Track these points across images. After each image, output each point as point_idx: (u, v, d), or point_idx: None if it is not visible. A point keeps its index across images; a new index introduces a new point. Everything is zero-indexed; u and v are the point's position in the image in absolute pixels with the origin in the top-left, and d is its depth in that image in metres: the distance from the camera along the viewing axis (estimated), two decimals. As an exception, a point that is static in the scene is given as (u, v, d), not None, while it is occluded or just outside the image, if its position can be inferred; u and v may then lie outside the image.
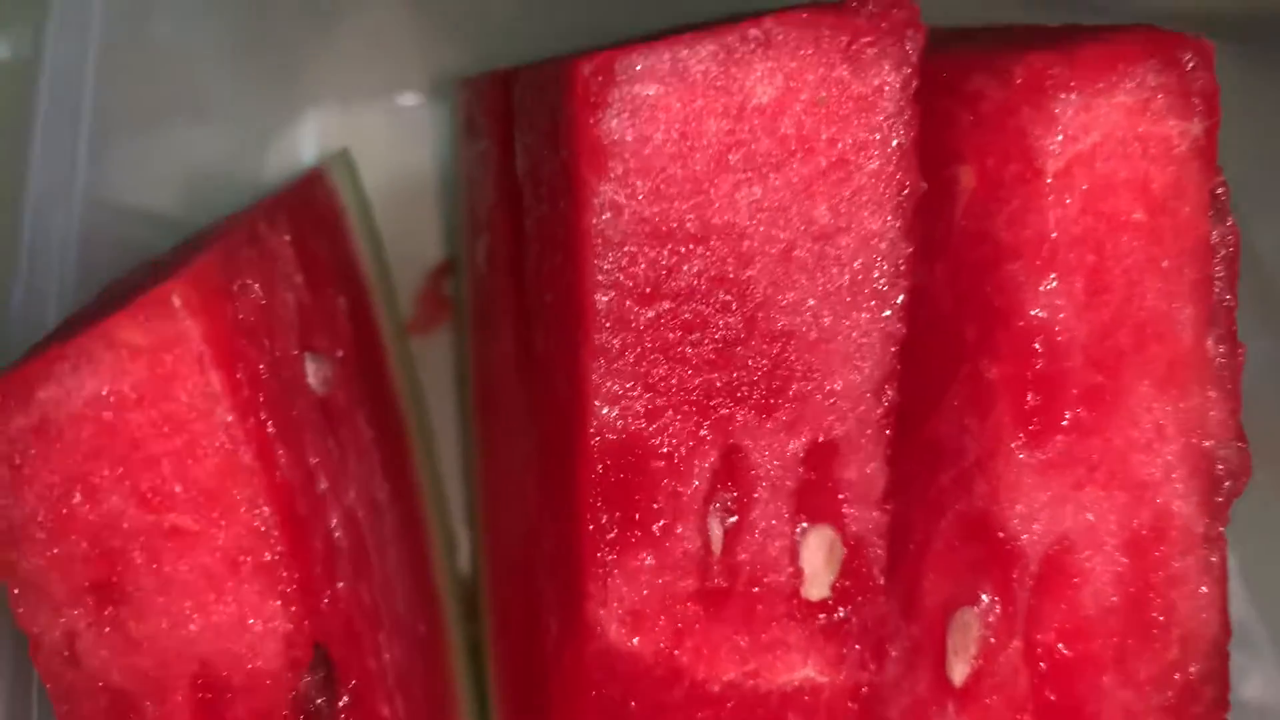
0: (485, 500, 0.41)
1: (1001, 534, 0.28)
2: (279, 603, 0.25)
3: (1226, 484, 0.28)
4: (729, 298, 0.27)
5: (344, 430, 0.34)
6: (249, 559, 0.25)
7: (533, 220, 0.31)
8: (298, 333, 0.32)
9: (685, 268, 0.27)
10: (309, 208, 0.38)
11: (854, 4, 0.26)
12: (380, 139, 0.50)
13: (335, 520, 0.30)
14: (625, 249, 0.26)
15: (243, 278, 0.28)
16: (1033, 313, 0.27)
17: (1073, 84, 0.26)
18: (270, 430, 0.26)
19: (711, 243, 0.27)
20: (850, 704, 0.28)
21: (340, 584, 0.29)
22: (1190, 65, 0.26)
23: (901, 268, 0.27)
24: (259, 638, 0.25)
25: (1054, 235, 0.26)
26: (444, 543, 0.43)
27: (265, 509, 0.25)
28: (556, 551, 0.30)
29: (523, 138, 0.31)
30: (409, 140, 0.49)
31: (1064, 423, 0.27)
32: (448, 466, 0.45)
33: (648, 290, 0.27)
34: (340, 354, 0.35)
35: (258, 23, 0.46)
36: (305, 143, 0.49)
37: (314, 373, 0.32)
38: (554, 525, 0.30)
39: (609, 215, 0.26)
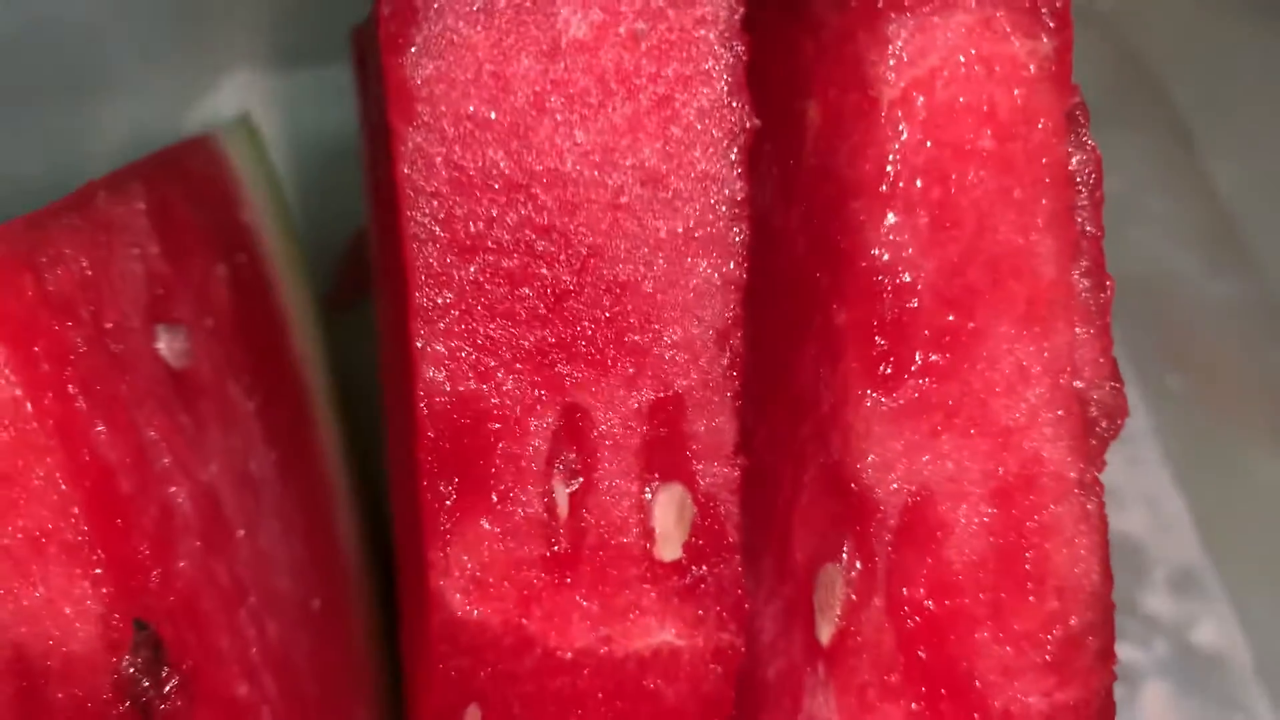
0: (391, 476, 0.40)
1: (855, 486, 0.26)
2: (88, 584, 0.24)
3: (1101, 425, 0.27)
4: (556, 249, 0.26)
5: (206, 403, 0.33)
6: (53, 540, 0.24)
7: (375, 176, 0.29)
8: (145, 304, 0.31)
9: (507, 218, 0.25)
10: (180, 175, 0.37)
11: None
12: (302, 106, 0.49)
13: (182, 495, 0.29)
14: (439, 199, 0.25)
15: (56, 248, 0.26)
16: (876, 252, 0.25)
17: (907, 4, 0.24)
18: (79, 406, 0.25)
19: (533, 190, 0.25)
20: (713, 666, 0.27)
21: (181, 562, 0.28)
22: (1040, -21, 0.25)
23: (739, 211, 0.26)
24: (69, 620, 0.24)
25: (893, 168, 0.25)
26: (369, 521, 0.42)
27: (64, 487, 0.24)
28: (410, 520, 0.29)
29: (366, 90, 0.30)
30: (332, 107, 0.48)
31: (915, 367, 0.26)
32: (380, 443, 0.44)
33: (468, 243, 0.25)
34: (210, 323, 0.34)
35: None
36: (223, 112, 0.48)
37: (167, 344, 0.31)
38: (407, 491, 0.29)
39: (420, 163, 0.25)
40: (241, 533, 0.32)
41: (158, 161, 0.35)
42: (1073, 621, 0.27)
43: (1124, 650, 0.48)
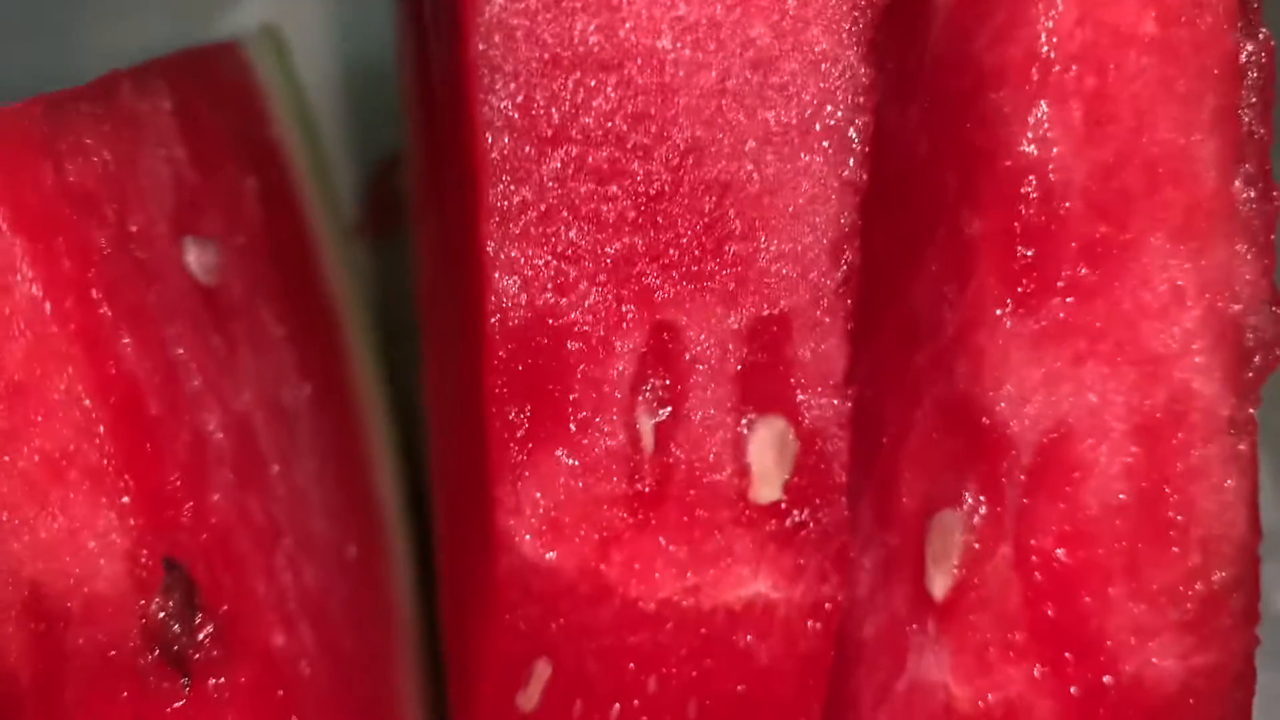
0: (433, 412, 0.37)
1: (986, 420, 0.23)
2: (114, 514, 0.21)
3: (1257, 357, 0.24)
4: (651, 141, 0.22)
5: (237, 324, 0.29)
6: (75, 464, 0.21)
7: (437, 66, 0.26)
8: (173, 211, 0.27)
9: (595, 103, 0.22)
10: (208, 79, 0.33)
11: None
12: (327, 25, 0.46)
13: (213, 423, 0.26)
14: (519, 80, 0.22)
15: (77, 136, 0.23)
16: (1021, 149, 0.22)
17: None
18: (104, 312, 0.22)
19: (626, 72, 0.22)
20: (812, 623, 0.24)
21: (215, 495, 0.25)
22: None
23: (861, 100, 0.22)
24: (93, 555, 0.21)
25: (1046, 53, 0.22)
26: (402, 460, 0.39)
27: (87, 402, 0.21)
28: (470, 455, 0.26)
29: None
30: (358, 27, 0.45)
31: (1060, 284, 0.22)
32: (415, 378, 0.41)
33: (549, 133, 0.22)
34: (241, 241, 0.31)
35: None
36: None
37: (196, 258, 0.28)
38: (466, 425, 0.26)
39: (497, 38, 0.21)
40: (276, 468, 0.29)
41: (182, 61, 0.32)
42: (1216, 577, 0.24)
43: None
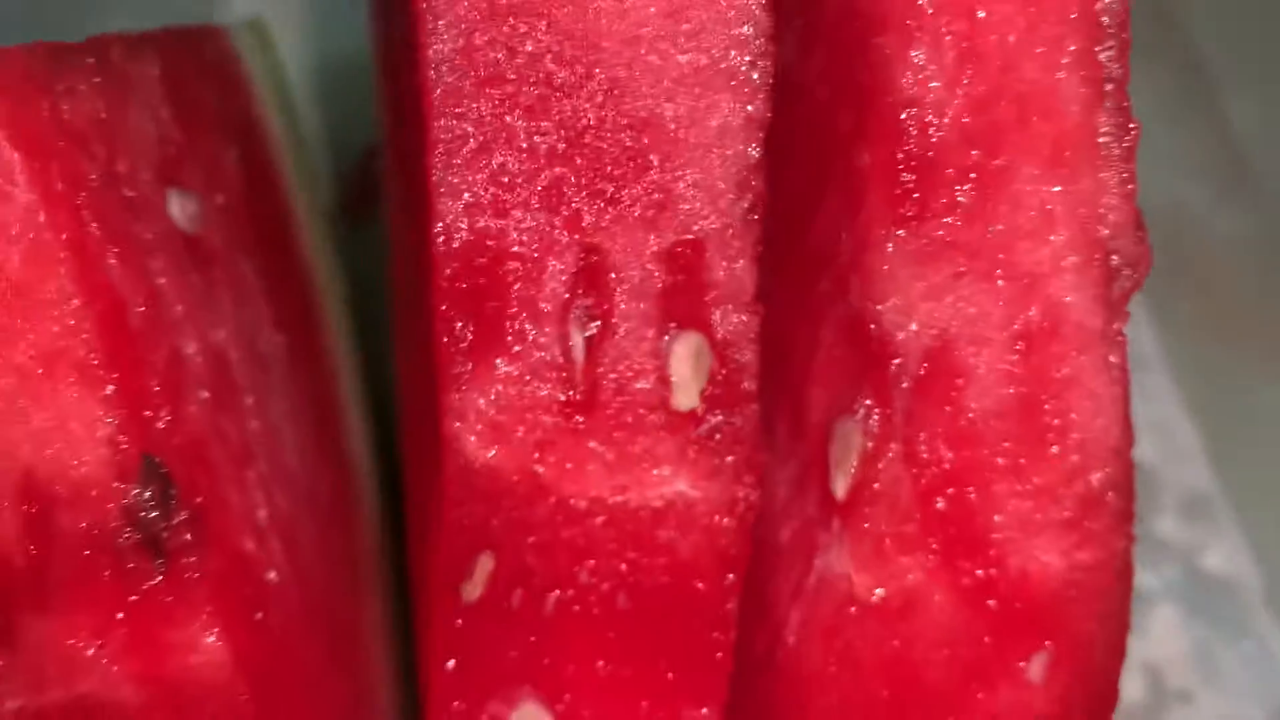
0: (400, 365, 0.40)
1: (875, 329, 0.26)
2: (99, 406, 0.24)
3: (1124, 274, 0.26)
4: (576, 80, 0.25)
5: (217, 270, 0.32)
6: (64, 359, 0.24)
7: (397, 32, 0.29)
8: (158, 163, 0.30)
9: (527, 47, 0.25)
10: (194, 55, 0.36)
11: None
12: (314, 20, 0.49)
13: (193, 347, 0.29)
14: (460, 27, 0.25)
15: (72, 80, 0.26)
16: (902, 88, 0.25)
17: None
18: (93, 229, 0.25)
19: (555, 19, 0.25)
20: (727, 519, 0.27)
21: (192, 408, 0.27)
22: None
23: (763, 47, 0.25)
24: (80, 442, 0.24)
25: (921, 2, 0.25)
26: (374, 424, 0.42)
27: (77, 302, 0.23)
28: (425, 375, 0.29)
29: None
30: (343, 22, 0.48)
31: (939, 206, 0.25)
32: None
33: (487, 73, 0.25)
34: (221, 200, 0.34)
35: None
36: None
37: (180, 207, 0.31)
38: (420, 348, 0.29)
39: (440, -12, 0.25)
40: (251, 400, 0.32)
41: (171, 36, 0.35)
42: (1094, 478, 0.27)
43: (1135, 572, 0.48)
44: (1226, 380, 0.50)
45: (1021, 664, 0.27)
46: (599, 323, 0.26)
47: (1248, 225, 0.52)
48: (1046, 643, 0.27)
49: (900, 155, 0.25)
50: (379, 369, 0.43)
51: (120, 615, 0.25)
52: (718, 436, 0.27)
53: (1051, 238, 0.26)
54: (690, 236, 0.26)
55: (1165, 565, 0.48)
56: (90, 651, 0.25)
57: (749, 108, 0.25)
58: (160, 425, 0.26)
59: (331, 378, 0.41)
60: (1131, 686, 0.45)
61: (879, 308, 0.26)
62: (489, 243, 0.26)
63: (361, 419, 0.42)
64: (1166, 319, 0.51)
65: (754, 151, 0.26)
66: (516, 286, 0.26)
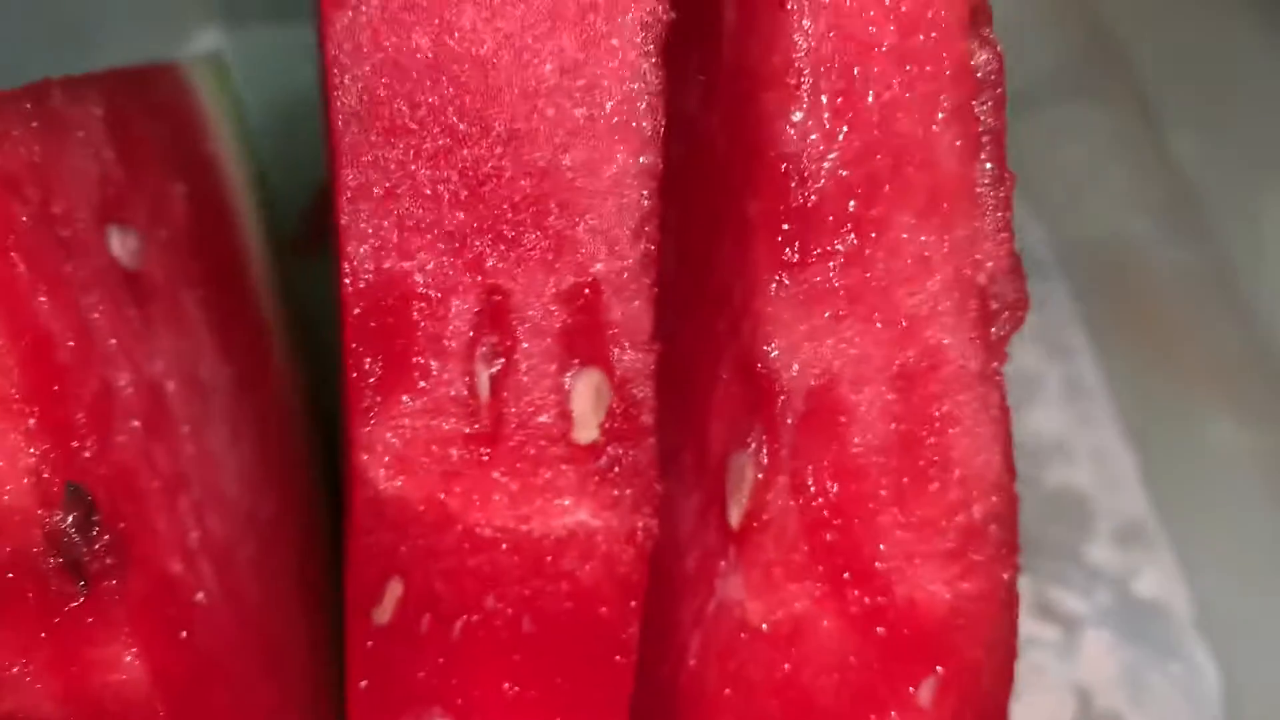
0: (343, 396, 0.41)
1: (764, 370, 0.27)
2: (21, 438, 0.25)
3: (1003, 318, 0.28)
4: (478, 132, 0.27)
5: (157, 305, 0.34)
6: (-13, 393, 0.25)
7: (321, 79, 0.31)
8: (99, 202, 0.32)
9: (430, 100, 0.26)
10: (144, 94, 0.38)
11: None
12: (272, 64, 0.51)
13: (124, 380, 0.30)
14: (365, 80, 0.26)
15: (6, 127, 0.28)
16: (785, 142, 0.26)
17: (813, -99, 0.26)
18: (20, 270, 0.26)
19: (456, 74, 0.26)
20: (626, 547, 0.28)
21: (121, 438, 0.29)
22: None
23: (655, 102, 0.27)
24: (2, 472, 0.25)
25: (799, 61, 0.26)
26: (324, 456, 0.43)
27: (1, 340, 0.25)
28: (344, 408, 0.30)
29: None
30: (300, 65, 0.49)
31: (819, 253, 0.27)
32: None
33: (393, 124, 0.27)
34: (164, 235, 0.36)
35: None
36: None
37: (120, 243, 0.33)
38: (341, 382, 0.30)
39: (347, 45, 0.26)
40: (186, 429, 0.33)
41: (118, 76, 0.36)
42: (975, 510, 0.28)
43: (1067, 598, 0.49)
44: (1165, 409, 0.52)
45: (911, 689, 0.29)
46: (503, 360, 0.28)
47: (1189, 258, 0.53)
48: (936, 668, 0.29)
49: (782, 206, 0.27)
50: (331, 393, 0.45)
51: (43, 635, 0.26)
52: (617, 469, 0.28)
53: (928, 283, 0.27)
54: (588, 278, 0.27)
55: (1098, 590, 0.49)
56: (14, 670, 0.26)
57: (641, 159, 0.27)
58: (86, 454, 0.27)
59: (279, 406, 0.42)
60: (1062, 708, 0.47)
61: (766, 348, 0.27)
62: (395, 283, 0.27)
63: (308, 444, 0.43)
64: (1108, 348, 0.52)
65: (647, 199, 0.27)
66: (423, 325, 0.28)
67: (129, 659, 0.27)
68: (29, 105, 0.29)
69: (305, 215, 0.49)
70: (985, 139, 0.27)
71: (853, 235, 0.27)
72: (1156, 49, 0.55)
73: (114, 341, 0.30)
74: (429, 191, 0.27)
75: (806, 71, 0.26)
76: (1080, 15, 0.56)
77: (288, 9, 0.52)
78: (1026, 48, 0.29)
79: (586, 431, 0.28)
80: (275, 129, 0.50)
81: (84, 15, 0.49)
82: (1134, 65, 0.55)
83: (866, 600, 0.28)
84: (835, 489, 0.28)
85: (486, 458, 0.28)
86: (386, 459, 0.28)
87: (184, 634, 0.29)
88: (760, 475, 0.28)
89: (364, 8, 0.26)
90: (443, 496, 0.28)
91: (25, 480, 0.26)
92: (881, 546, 0.28)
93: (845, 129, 0.26)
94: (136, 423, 0.30)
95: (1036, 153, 0.56)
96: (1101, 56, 0.56)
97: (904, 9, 0.26)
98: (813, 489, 0.28)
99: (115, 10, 0.50)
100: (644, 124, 0.27)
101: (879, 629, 0.28)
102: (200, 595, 0.31)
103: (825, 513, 0.28)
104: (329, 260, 0.47)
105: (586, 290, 0.27)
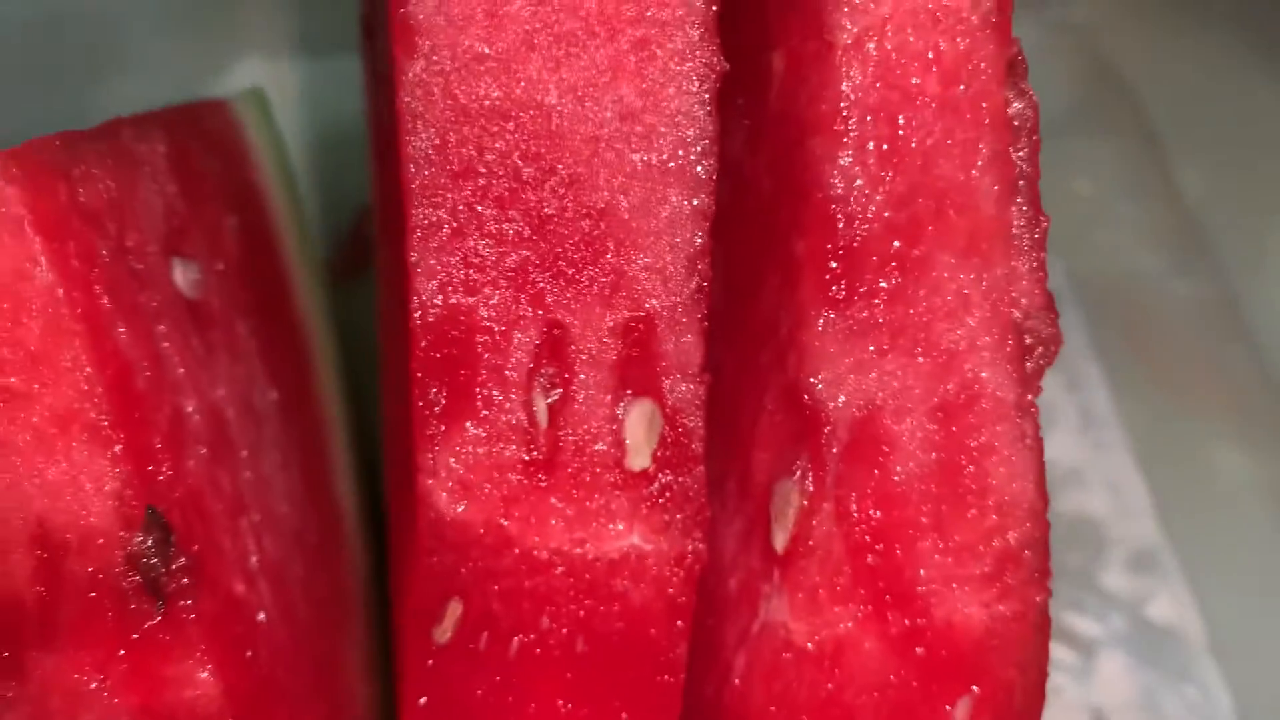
0: (385, 412, 0.42)
1: (809, 400, 0.29)
2: (107, 462, 0.27)
3: (1037, 352, 0.29)
4: (541, 175, 0.28)
5: (216, 333, 0.35)
6: (76, 420, 0.26)
7: (385, 120, 0.32)
8: (164, 235, 0.33)
9: (496, 145, 0.28)
10: (200, 130, 0.39)
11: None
12: (311, 94, 0.52)
13: (192, 405, 0.31)
14: (435, 126, 0.28)
15: (86, 166, 0.29)
16: (831, 184, 0.28)
17: (862, -42, 0.27)
18: (104, 302, 0.28)
19: (522, 121, 0.28)
20: (676, 570, 0.29)
21: (190, 462, 0.30)
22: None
23: (708, 147, 0.28)
24: (89, 496, 0.27)
25: (846, 108, 0.27)
26: (363, 476, 0.44)
27: (89, 370, 0.26)
28: (403, 434, 0.31)
29: (373, 70, 0.32)
30: (340, 96, 0.51)
31: (864, 290, 0.28)
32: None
33: (460, 168, 0.28)
34: (220, 267, 0.37)
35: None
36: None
37: (182, 275, 0.34)
38: (400, 410, 0.32)
39: (419, 93, 0.27)
40: (245, 453, 0.34)
41: (177, 113, 0.38)
42: (1011, 536, 0.29)
43: (1082, 623, 0.50)
44: (1176, 439, 0.53)
45: (948, 707, 0.30)
46: (560, 390, 0.29)
47: (1199, 291, 0.55)
48: (972, 688, 0.30)
49: (829, 245, 0.28)
50: (368, 413, 0.46)
51: (122, 652, 0.28)
52: (668, 495, 0.29)
53: (968, 320, 0.28)
54: (643, 313, 0.29)
55: (1113, 615, 0.50)
56: (93, 685, 0.27)
57: (694, 201, 0.28)
58: (162, 479, 0.29)
59: (321, 428, 0.43)
60: (1078, 730, 0.48)
61: (812, 380, 0.29)
62: (461, 317, 0.29)
63: (349, 465, 0.45)
64: (1121, 380, 0.54)
65: (700, 239, 0.29)
66: (485, 357, 0.29)
67: (203, 675, 0.28)
68: (104, 144, 0.31)
69: (341, 240, 0.51)
70: (1021, 183, 0.28)
71: (896, 273, 0.28)
72: (1165, 88, 0.56)
73: (182, 370, 0.31)
74: (494, 231, 0.28)
75: (853, 119, 0.28)
76: (1090, 54, 0.58)
77: (322, 42, 0.53)
78: (1038, 85, 0.30)
79: (639, 459, 0.29)
80: (310, 157, 0.52)
81: (125, 49, 0.50)
82: (1143, 103, 0.57)
83: (906, 622, 0.29)
84: (877, 515, 0.29)
85: (544, 483, 0.29)
86: (449, 484, 0.29)
87: (249, 653, 0.31)
88: (805, 502, 0.29)
89: (435, 57, 0.27)
90: (502, 520, 0.29)
91: (110, 503, 0.27)
92: (921, 570, 0.29)
93: (890, 173, 0.28)
94: (203, 448, 0.31)
95: (1048, 188, 0.57)
96: (1111, 95, 0.58)
97: (946, 62, 0.27)
98: (856, 515, 0.29)
99: (155, 43, 0.51)
100: (698, 168, 0.28)
101: (918, 649, 0.30)
102: (261, 615, 0.32)
103: (867, 538, 0.29)
104: (366, 282, 0.49)
105: (641, 325, 0.29)
